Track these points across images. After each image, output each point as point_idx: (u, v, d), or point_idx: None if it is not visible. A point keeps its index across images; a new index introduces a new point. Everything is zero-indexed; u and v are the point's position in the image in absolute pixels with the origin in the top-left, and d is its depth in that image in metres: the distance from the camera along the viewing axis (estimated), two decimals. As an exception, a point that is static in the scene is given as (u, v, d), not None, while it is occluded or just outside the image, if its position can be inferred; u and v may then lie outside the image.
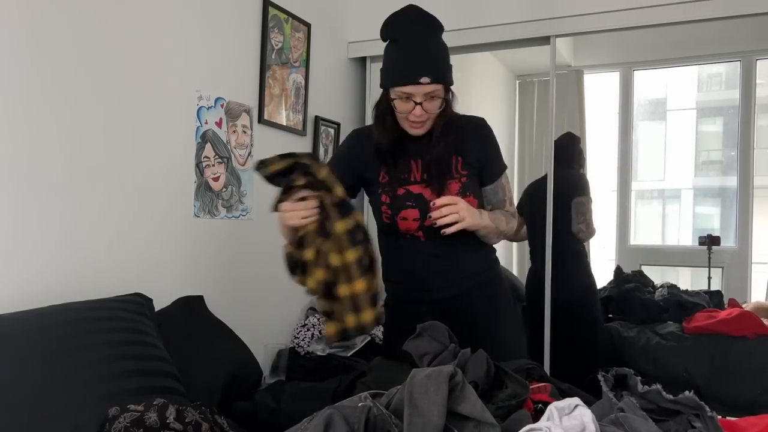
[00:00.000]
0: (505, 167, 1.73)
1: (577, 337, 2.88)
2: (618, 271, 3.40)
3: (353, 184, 1.69)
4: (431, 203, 1.55)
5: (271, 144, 2.71)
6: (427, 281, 1.68)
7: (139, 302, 1.79)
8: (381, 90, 1.60)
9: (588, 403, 1.00)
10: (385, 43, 1.57)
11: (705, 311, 2.99)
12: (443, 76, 1.52)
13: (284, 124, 2.79)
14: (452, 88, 1.60)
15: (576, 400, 0.95)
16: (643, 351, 2.82)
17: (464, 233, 1.57)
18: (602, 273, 3.42)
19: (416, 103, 1.50)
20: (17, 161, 1.70)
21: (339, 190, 1.42)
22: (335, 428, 0.88)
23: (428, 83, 1.48)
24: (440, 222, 1.52)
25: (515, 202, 2.14)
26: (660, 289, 3.24)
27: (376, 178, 1.67)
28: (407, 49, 1.50)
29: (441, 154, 1.61)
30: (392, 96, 1.54)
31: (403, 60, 1.50)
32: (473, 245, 1.68)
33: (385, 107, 1.60)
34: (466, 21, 2.99)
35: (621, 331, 2.94)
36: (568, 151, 3.11)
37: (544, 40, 2.85)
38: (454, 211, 1.51)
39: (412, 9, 1.56)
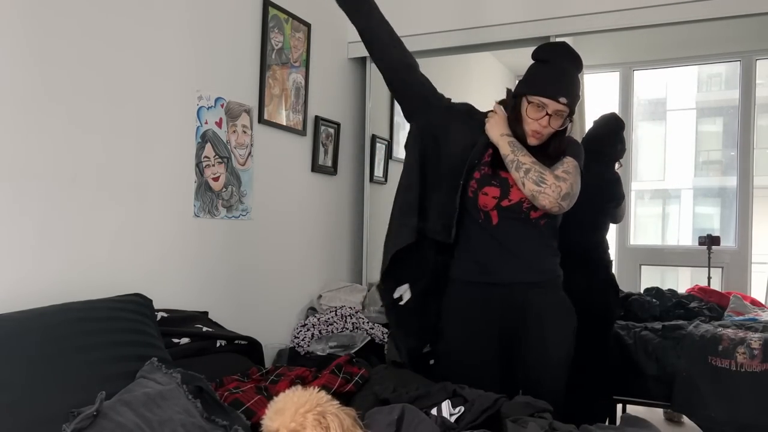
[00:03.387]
0: (576, 155, 1.87)
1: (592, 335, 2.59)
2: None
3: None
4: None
5: (272, 144, 2.71)
6: (489, 265, 1.86)
7: (139, 302, 1.79)
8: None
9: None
10: (533, 61, 1.87)
11: None
12: (573, 103, 1.81)
13: (284, 124, 2.79)
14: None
15: None
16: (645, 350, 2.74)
17: (532, 225, 1.83)
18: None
19: (547, 114, 1.77)
20: (17, 161, 1.70)
21: None
22: None
23: (564, 103, 1.77)
24: None
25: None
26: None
27: (478, 154, 1.87)
28: (556, 71, 1.81)
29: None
30: (528, 101, 1.79)
31: (551, 78, 1.80)
32: (542, 242, 1.87)
33: (511, 110, 1.86)
34: (466, 21, 2.98)
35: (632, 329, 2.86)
36: (602, 141, 2.73)
37: (544, 40, 2.84)
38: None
39: (565, 44, 1.94)
